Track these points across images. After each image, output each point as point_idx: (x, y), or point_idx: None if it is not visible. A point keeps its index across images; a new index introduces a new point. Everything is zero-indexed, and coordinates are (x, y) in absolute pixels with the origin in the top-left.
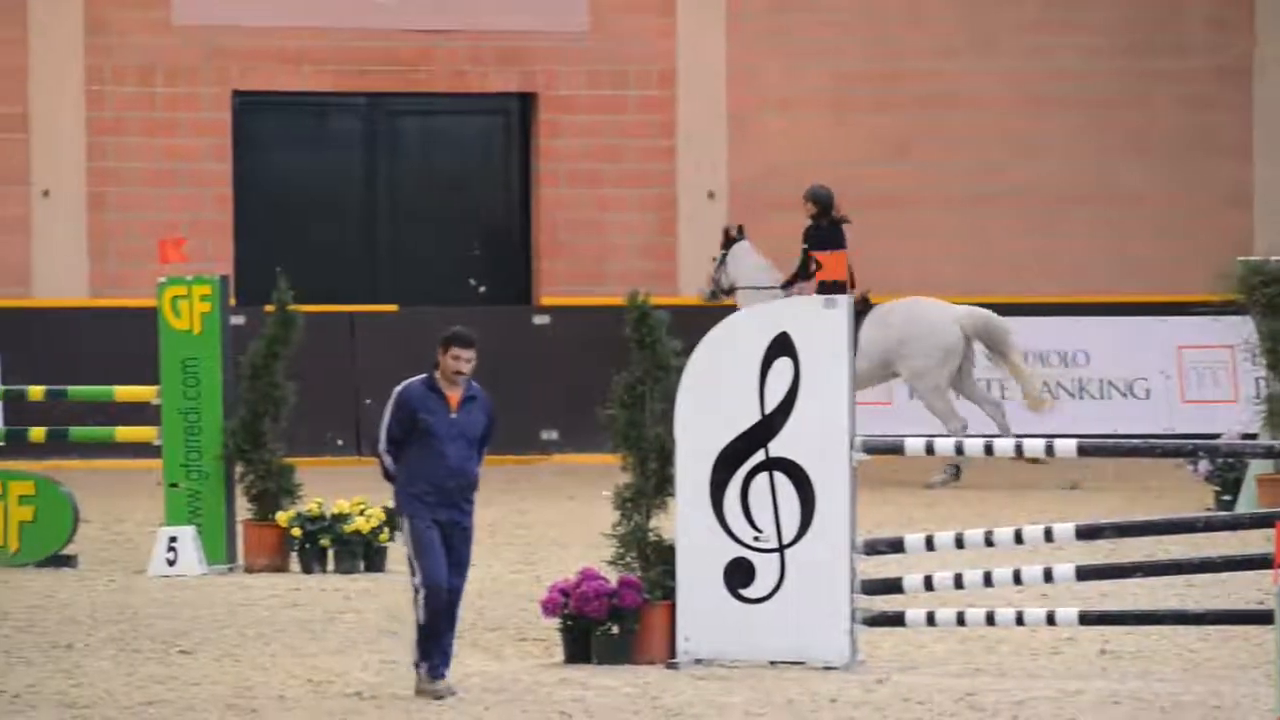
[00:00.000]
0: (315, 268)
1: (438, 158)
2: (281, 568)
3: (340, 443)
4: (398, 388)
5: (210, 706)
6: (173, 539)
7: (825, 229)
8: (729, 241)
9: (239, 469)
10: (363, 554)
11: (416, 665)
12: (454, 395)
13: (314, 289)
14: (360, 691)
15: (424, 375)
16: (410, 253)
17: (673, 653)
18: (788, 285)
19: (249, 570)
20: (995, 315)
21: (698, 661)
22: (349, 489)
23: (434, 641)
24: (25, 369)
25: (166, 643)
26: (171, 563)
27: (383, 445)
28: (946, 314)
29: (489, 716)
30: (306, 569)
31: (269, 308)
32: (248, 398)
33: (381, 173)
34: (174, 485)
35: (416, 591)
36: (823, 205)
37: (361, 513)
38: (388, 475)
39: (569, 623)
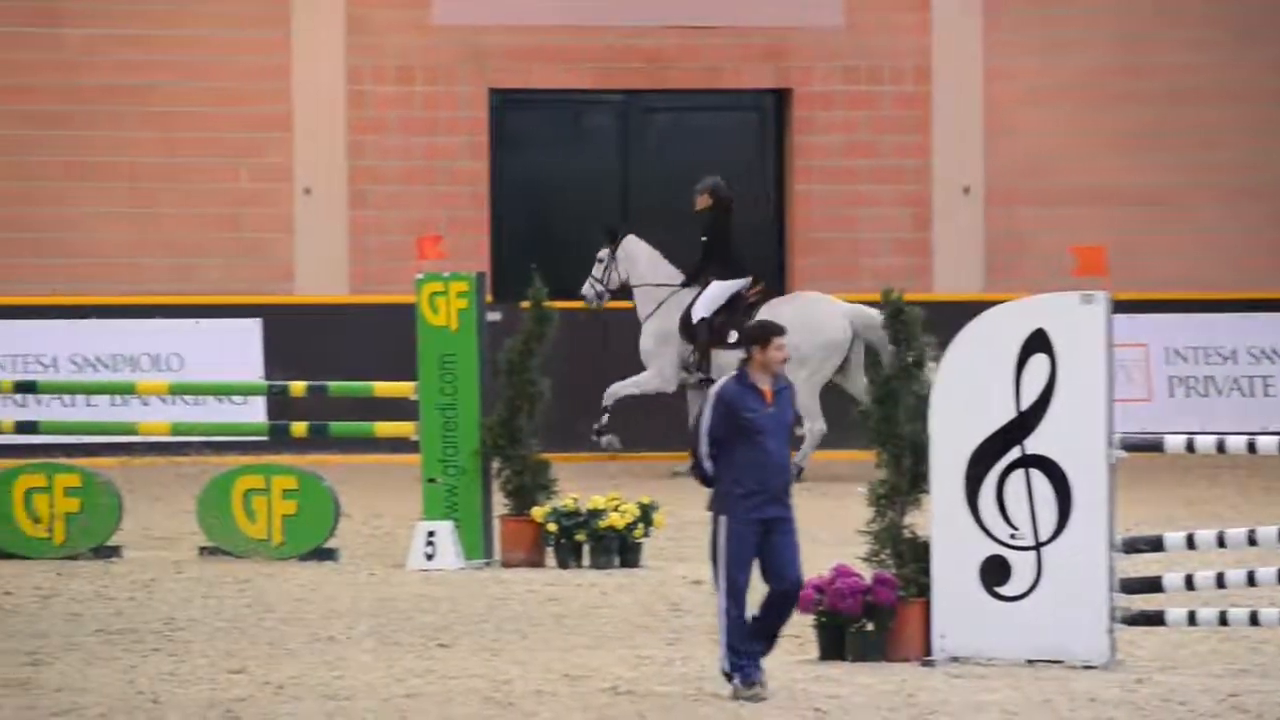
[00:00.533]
0: (570, 264)
1: (692, 155)
2: (537, 563)
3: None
4: (713, 389)
5: (468, 700)
6: (431, 534)
7: (713, 221)
8: (612, 240)
9: (495, 464)
10: (618, 549)
11: (730, 673)
12: (768, 389)
13: (570, 286)
14: (616, 686)
15: (735, 373)
16: (663, 249)
17: (928, 650)
18: (690, 283)
19: (505, 565)
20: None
21: (953, 659)
22: (604, 485)
23: (746, 646)
24: (288, 365)
25: (426, 636)
26: (430, 557)
27: (705, 448)
28: (835, 310)
29: (745, 713)
30: (562, 564)
31: (525, 304)
32: (504, 394)
33: (636, 170)
34: (432, 480)
35: (722, 592)
36: (718, 197)
37: (616, 508)
38: (705, 479)
39: (823, 619)
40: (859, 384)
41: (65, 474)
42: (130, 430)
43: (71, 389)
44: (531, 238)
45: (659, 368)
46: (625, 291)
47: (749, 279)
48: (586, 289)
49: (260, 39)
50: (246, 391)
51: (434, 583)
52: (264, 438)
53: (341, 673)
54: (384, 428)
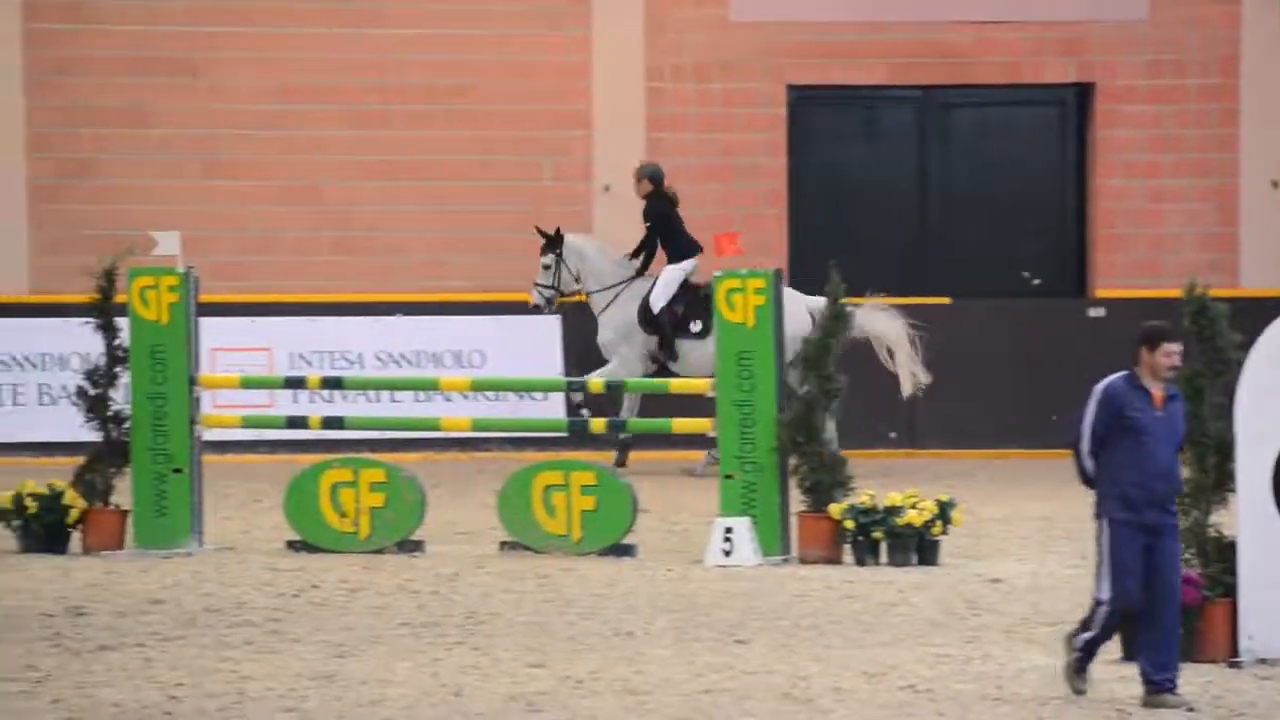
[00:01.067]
0: (868, 261)
1: (991, 150)
2: (834, 559)
3: (893, 435)
4: (1099, 385)
5: (766, 696)
6: (728, 530)
7: (662, 205)
8: (554, 242)
9: (792, 461)
10: (915, 547)
11: (1075, 669)
12: (1158, 393)
13: (866, 282)
14: (914, 684)
15: (1124, 372)
16: (963, 246)
17: (1234, 651)
18: (643, 271)
19: (802, 562)
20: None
21: (1261, 661)
22: (901, 482)
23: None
24: (587, 362)
25: (723, 632)
26: (727, 553)
27: (1086, 445)
28: (799, 301)
29: (1046, 713)
30: (859, 561)
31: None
32: (801, 391)
33: (933, 165)
34: (729, 477)
35: (1098, 605)
36: (658, 182)
37: (914, 506)
38: (1086, 478)
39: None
40: (902, 375)
41: (370, 469)
42: (433, 426)
43: (376, 385)
44: (828, 234)
45: (622, 359)
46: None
47: (699, 255)
48: (535, 296)
49: (562, 38)
50: (546, 388)
51: (731, 579)
52: (563, 434)
53: (640, 668)
54: (681, 424)
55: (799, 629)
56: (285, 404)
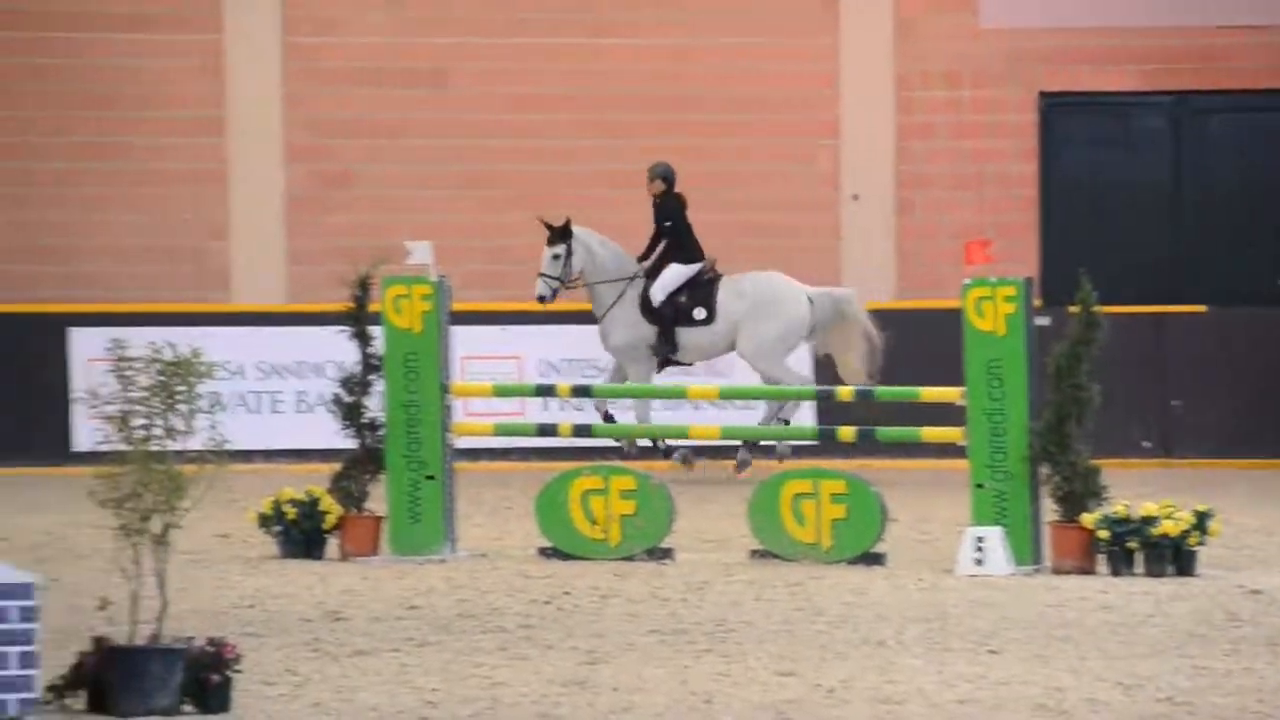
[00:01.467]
0: (1120, 268)
1: (1248, 156)
2: (1088, 570)
3: (1146, 445)
4: None
5: (1019, 707)
6: (980, 539)
7: (675, 206)
8: (562, 234)
9: (1044, 470)
10: (1171, 557)
11: None
12: None
13: (1119, 289)
14: (1172, 697)
15: None
16: (1219, 253)
17: None
18: (649, 271)
19: (1055, 572)
20: (844, 296)
21: None
22: (1155, 492)
23: None
24: (832, 369)
25: (976, 642)
26: (979, 562)
27: None
28: (798, 289)
29: None
30: (1114, 571)
31: (1073, 309)
32: (1053, 399)
33: (1188, 172)
34: (980, 486)
35: None
36: (670, 182)
37: (1170, 515)
38: None
39: None
40: (850, 366)
41: (621, 477)
42: (682, 434)
43: (625, 393)
44: (1080, 241)
45: (638, 369)
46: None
47: (704, 263)
48: (541, 286)
49: (808, 46)
50: (795, 396)
51: (983, 588)
52: (813, 442)
53: (891, 677)
54: (931, 433)
55: (1052, 639)
56: (536, 411)
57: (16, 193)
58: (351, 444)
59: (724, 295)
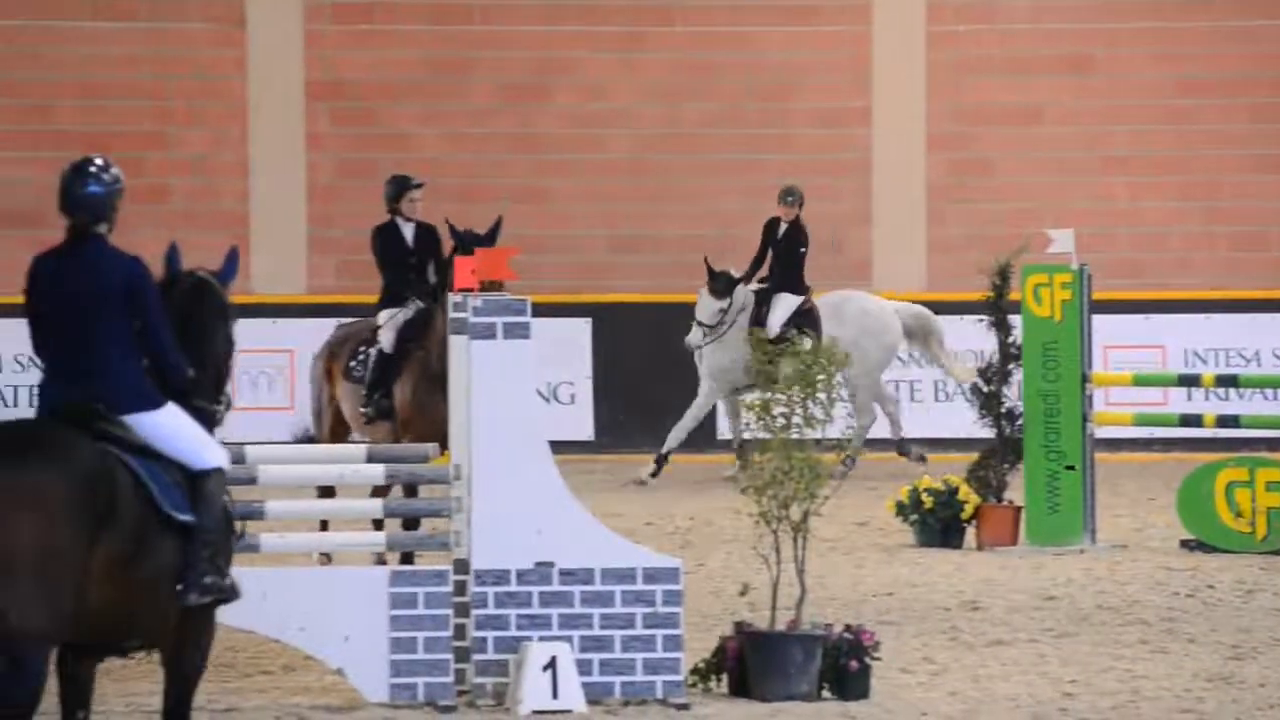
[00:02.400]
0: None
1: None
2: None
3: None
4: None
5: None
6: None
7: (806, 232)
8: (728, 286)
9: None
10: None
11: None
12: None
13: None
14: None
15: None
16: None
17: None
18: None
19: None
20: (927, 311)
21: None
22: None
23: None
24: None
25: None
26: None
27: None
28: (888, 309)
29: None
30: None
31: None
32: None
33: None
34: None
35: None
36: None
37: None
38: None
39: None
40: (954, 371)
41: (1268, 469)
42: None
43: (1274, 383)
44: None
45: (716, 391)
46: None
47: (807, 294)
48: (696, 336)
49: None
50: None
51: None
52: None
53: None
54: None
55: None
56: (1178, 401)
57: (662, 183)
58: (989, 433)
59: (826, 322)
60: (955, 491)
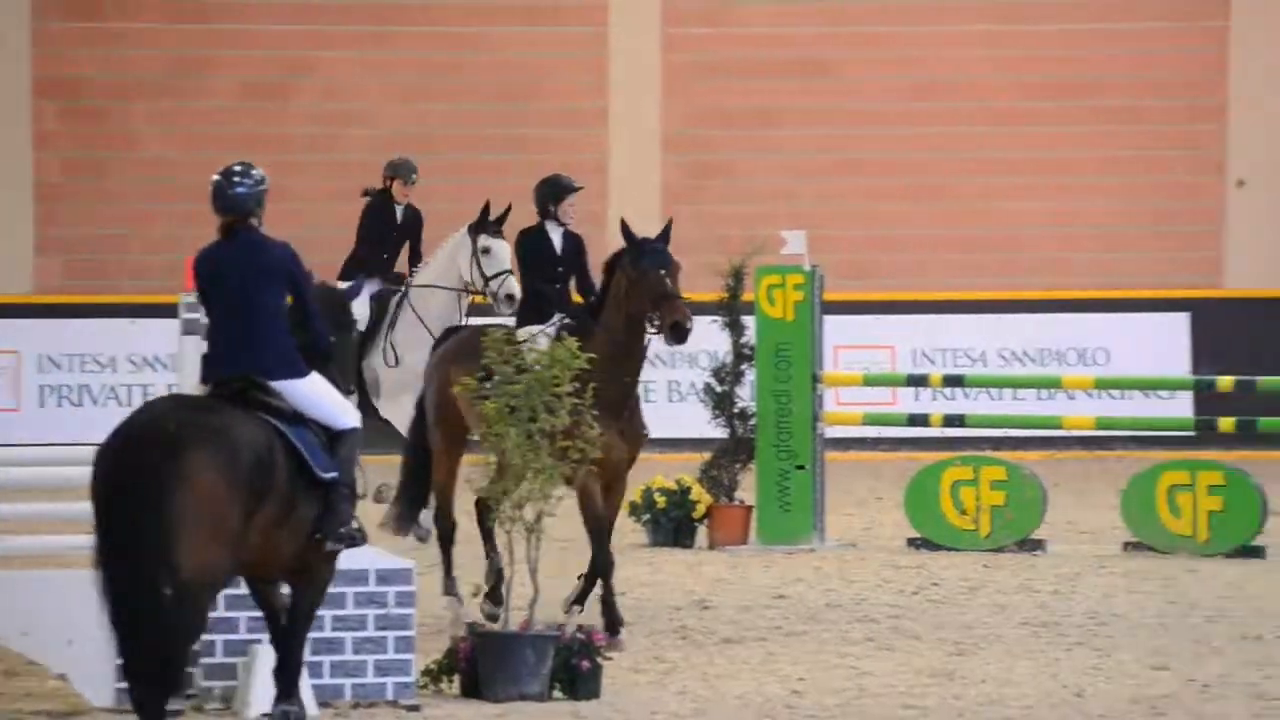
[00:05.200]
0: None
1: None
2: None
3: None
4: None
5: None
6: None
7: None
8: None
9: None
10: None
11: None
12: None
13: None
14: None
15: None
16: None
17: None
18: None
19: None
20: None
21: None
22: None
23: None
24: (1216, 359)
25: None
26: None
27: None
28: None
29: None
30: None
31: None
32: None
33: None
34: None
35: None
36: None
37: None
38: None
39: None
40: None
41: (991, 467)
42: (1055, 424)
43: (998, 383)
44: None
45: None
46: None
47: None
48: None
49: (1194, 30)
50: (1173, 386)
51: None
52: (1190, 433)
53: (1270, 673)
54: None
55: None
56: (907, 401)
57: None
58: (722, 433)
59: None
60: (688, 491)
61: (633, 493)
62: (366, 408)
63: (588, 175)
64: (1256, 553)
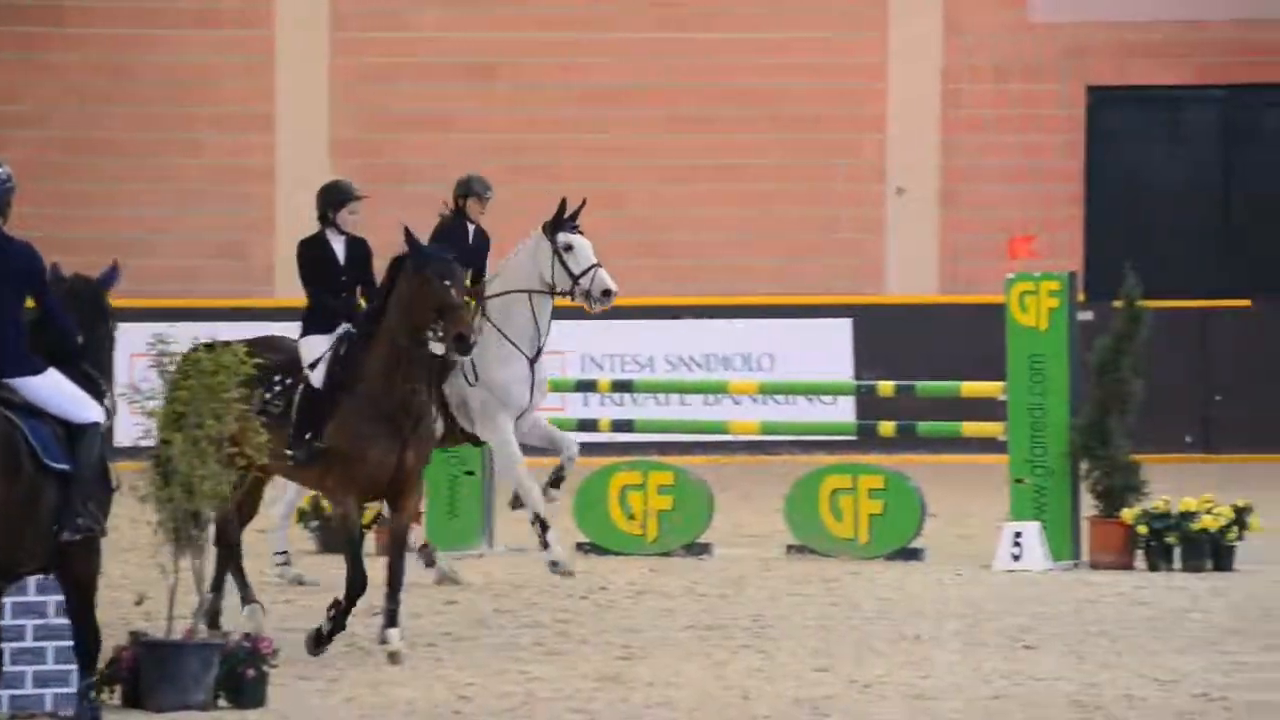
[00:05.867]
0: (1166, 263)
1: None
2: (1126, 565)
3: (1189, 439)
4: None
5: (1055, 703)
6: (1018, 534)
7: None
8: None
9: (1084, 465)
10: (1210, 552)
11: None
12: None
13: (1164, 284)
14: (1208, 693)
15: None
16: (1265, 247)
17: None
18: None
19: (1093, 567)
20: None
21: None
22: (1196, 487)
23: None
24: (877, 364)
25: (1011, 637)
26: (1016, 558)
27: None
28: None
29: None
30: (1152, 566)
31: (1117, 304)
32: (1094, 394)
33: (1238, 166)
34: (1020, 481)
35: None
36: None
37: (1209, 511)
38: None
39: None
40: None
41: (659, 472)
42: (721, 429)
43: (666, 388)
44: (1126, 236)
45: None
46: None
47: None
48: None
49: (858, 40)
50: (835, 391)
51: (1020, 584)
52: (852, 437)
53: (927, 673)
54: (972, 428)
55: (1089, 635)
56: (575, 406)
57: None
58: None
59: None
60: None
61: (302, 499)
62: (452, 430)
63: (256, 181)
64: (915, 555)
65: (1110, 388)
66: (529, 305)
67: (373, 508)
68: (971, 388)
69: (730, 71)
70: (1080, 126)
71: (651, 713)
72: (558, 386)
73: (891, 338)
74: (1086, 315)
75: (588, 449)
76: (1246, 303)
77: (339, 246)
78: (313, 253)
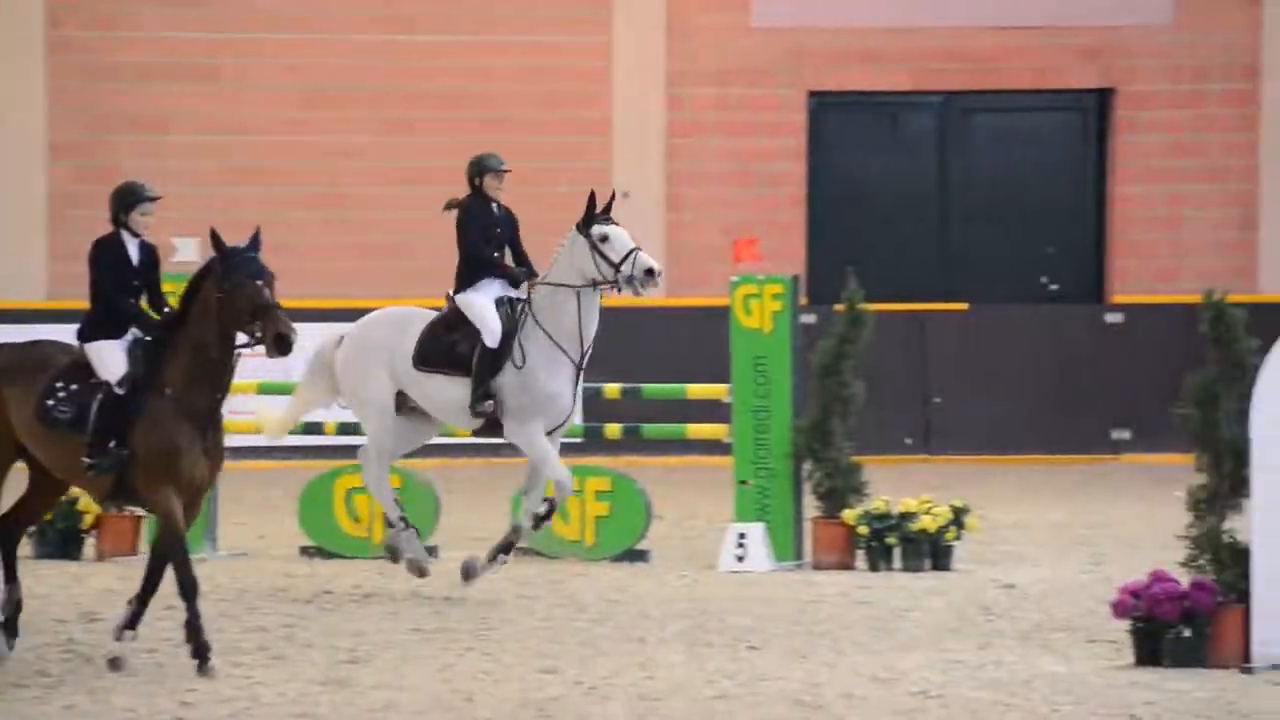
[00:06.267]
0: (886, 267)
1: (1012, 155)
2: (848, 565)
3: (909, 441)
4: None
5: (778, 702)
6: (742, 535)
7: None
8: None
9: (807, 467)
10: (929, 552)
11: None
12: None
13: (884, 288)
14: (926, 690)
15: None
16: (982, 251)
17: (1247, 657)
18: None
19: (816, 567)
20: None
21: (1274, 667)
22: (916, 487)
23: None
24: (602, 367)
25: (736, 638)
26: (741, 559)
27: None
28: None
29: (1056, 718)
30: (873, 566)
31: (839, 307)
32: (817, 397)
33: (955, 171)
34: (744, 483)
35: None
36: None
37: (928, 511)
38: None
39: (1139, 624)
40: None
41: None
42: (449, 432)
43: None
44: (847, 240)
45: None
46: None
47: None
48: None
49: (581, 43)
50: None
51: (744, 584)
52: (579, 439)
53: (652, 673)
54: (697, 430)
55: (812, 635)
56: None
57: None
58: None
59: None
60: (75, 502)
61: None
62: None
63: None
64: (641, 556)
65: (832, 390)
66: (575, 305)
67: (92, 508)
68: (697, 390)
69: (455, 74)
70: (802, 131)
71: (377, 716)
72: (283, 390)
73: (616, 340)
74: (809, 318)
75: (312, 452)
76: (964, 306)
77: (133, 249)
78: (108, 255)
